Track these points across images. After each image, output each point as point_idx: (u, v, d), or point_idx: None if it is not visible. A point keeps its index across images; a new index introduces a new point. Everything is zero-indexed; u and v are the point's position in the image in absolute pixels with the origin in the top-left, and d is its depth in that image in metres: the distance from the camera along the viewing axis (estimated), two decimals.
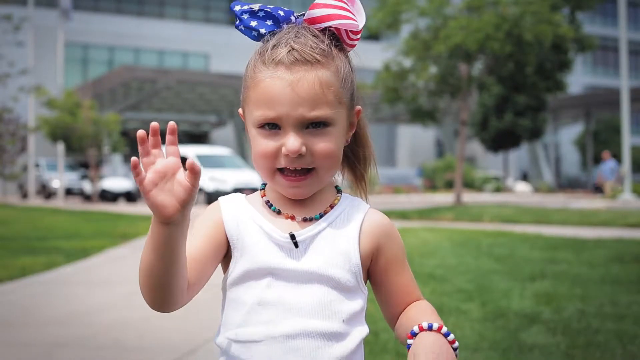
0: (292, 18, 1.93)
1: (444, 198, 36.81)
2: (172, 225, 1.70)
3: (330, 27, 1.90)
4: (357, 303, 1.92)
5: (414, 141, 67.56)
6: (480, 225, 19.46)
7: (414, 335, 1.81)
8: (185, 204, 1.68)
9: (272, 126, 1.86)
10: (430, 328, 1.81)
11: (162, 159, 1.69)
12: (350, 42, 1.95)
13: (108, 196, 38.79)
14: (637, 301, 7.83)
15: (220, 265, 1.99)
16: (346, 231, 1.93)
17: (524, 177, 66.91)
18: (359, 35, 1.95)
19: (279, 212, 1.96)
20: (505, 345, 5.88)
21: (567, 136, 71.43)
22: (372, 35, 40.27)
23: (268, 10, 1.91)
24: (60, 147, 39.39)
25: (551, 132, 62.47)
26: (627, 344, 5.92)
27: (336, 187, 2.05)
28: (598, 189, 35.35)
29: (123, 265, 12.02)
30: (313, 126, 1.85)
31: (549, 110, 46.66)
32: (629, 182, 32.14)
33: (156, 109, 53.11)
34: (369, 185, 2.15)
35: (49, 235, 16.66)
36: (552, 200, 35.36)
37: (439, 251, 12.81)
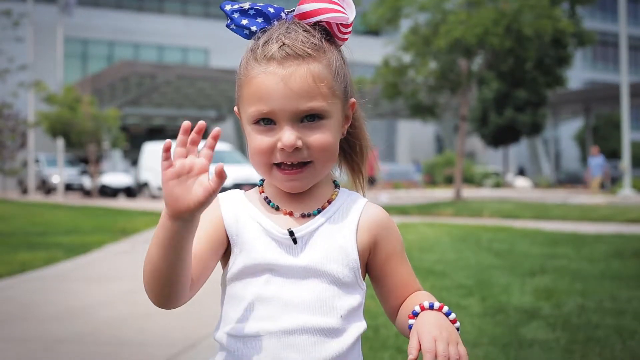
0: (283, 15, 1.93)
1: (443, 193, 36.80)
2: (180, 221, 1.69)
3: (321, 21, 1.90)
4: (355, 298, 1.92)
5: (414, 137, 67.57)
6: (480, 220, 19.47)
7: (415, 315, 1.82)
8: (199, 205, 1.67)
9: (266, 122, 1.86)
10: (431, 307, 1.83)
11: (193, 156, 1.69)
12: (341, 36, 1.96)
13: (108, 191, 38.80)
14: (637, 296, 7.82)
15: (220, 261, 1.99)
16: (344, 226, 1.94)
17: (521, 172, 66.91)
18: (349, 29, 1.95)
19: (277, 209, 1.96)
20: (505, 341, 5.88)
21: (566, 131, 71.39)
22: (371, 30, 40.26)
23: (258, 7, 1.92)
24: (60, 142, 39.37)
25: (551, 127, 62.45)
26: (627, 339, 5.92)
27: (334, 181, 2.05)
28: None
29: (123, 260, 12.02)
30: (308, 120, 1.86)
31: (549, 105, 46.59)
32: (629, 178, 32.15)
33: (156, 104, 53.09)
34: (366, 178, 2.15)
35: (49, 230, 16.66)
36: (551, 196, 35.36)
37: (438, 246, 12.81)
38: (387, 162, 60.89)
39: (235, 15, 1.93)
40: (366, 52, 54.26)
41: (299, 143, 1.84)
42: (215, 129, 1.69)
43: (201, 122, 1.70)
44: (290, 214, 1.95)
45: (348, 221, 1.95)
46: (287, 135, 1.83)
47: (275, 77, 1.83)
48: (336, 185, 2.05)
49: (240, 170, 31.76)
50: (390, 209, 22.70)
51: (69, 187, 41.60)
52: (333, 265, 1.89)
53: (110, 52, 59.27)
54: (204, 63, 59.12)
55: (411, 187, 47.82)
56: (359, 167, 2.13)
